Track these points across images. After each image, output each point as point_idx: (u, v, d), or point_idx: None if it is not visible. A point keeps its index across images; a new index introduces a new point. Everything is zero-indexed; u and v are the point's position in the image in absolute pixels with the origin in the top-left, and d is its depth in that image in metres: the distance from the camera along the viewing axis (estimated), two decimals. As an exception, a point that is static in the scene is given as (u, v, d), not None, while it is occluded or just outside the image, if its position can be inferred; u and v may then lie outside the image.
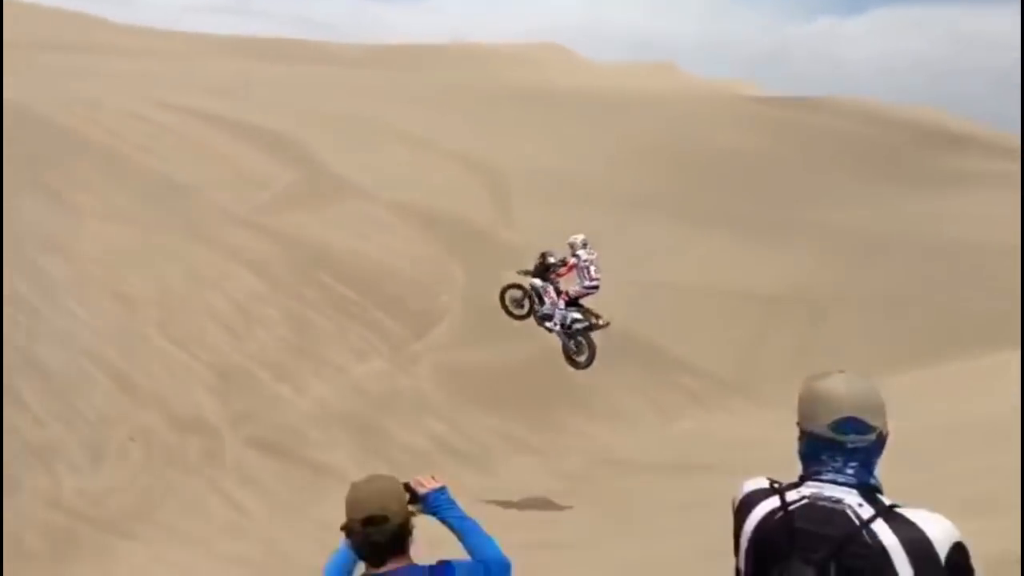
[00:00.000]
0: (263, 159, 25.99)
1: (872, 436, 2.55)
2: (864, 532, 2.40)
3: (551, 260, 13.06)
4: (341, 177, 25.47)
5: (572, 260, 12.78)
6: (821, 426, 2.56)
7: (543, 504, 14.55)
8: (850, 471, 2.54)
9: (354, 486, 2.91)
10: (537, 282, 13.09)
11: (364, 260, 21.56)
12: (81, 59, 37.96)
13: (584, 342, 13.07)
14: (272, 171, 25.36)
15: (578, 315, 12.79)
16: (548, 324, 13.12)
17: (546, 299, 12.89)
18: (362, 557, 2.87)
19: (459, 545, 3.17)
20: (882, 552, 2.37)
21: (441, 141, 30.19)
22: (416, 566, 2.85)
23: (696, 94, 51.22)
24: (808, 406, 2.62)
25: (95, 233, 20.94)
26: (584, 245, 12.92)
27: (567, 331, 12.96)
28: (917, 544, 2.36)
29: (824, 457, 2.57)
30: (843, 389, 2.56)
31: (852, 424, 2.53)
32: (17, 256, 19.71)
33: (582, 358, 13.27)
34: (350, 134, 29.49)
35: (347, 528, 2.86)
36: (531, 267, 13.48)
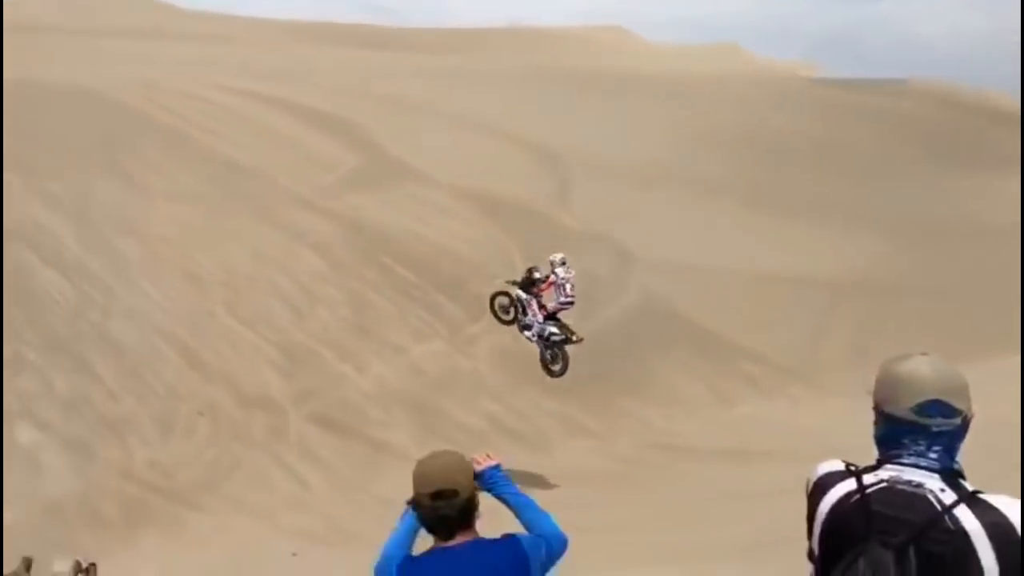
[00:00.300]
0: (326, 143, 26.38)
1: (957, 420, 2.49)
2: (946, 517, 2.36)
3: (536, 276, 13.76)
4: (402, 161, 25.72)
5: (552, 278, 13.49)
6: (903, 409, 2.51)
7: (596, 487, 14.59)
8: (933, 455, 2.49)
9: (422, 461, 2.96)
10: (522, 294, 13.83)
11: (424, 243, 21.78)
12: (149, 45, 38.94)
13: (559, 353, 13.83)
14: (335, 154, 25.73)
15: (555, 329, 13.54)
16: (527, 333, 13.91)
17: (529, 311, 13.70)
18: (431, 531, 2.90)
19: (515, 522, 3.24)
20: (964, 537, 2.33)
21: (501, 125, 30.23)
22: (484, 539, 2.89)
23: (759, 76, 50.26)
24: (889, 388, 2.56)
25: (165, 214, 21.58)
26: (563, 263, 13.62)
27: (545, 342, 13.75)
28: (1000, 529, 2.32)
29: (906, 440, 2.52)
30: (927, 371, 2.51)
31: (937, 407, 2.48)
32: (92, 236, 20.44)
33: (557, 367, 14.03)
34: (411, 118, 29.74)
35: (415, 502, 2.90)
36: (519, 279, 14.08)
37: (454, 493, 2.83)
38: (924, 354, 2.58)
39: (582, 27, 70.40)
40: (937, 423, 2.49)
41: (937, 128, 37.48)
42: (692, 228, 25.32)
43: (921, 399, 2.49)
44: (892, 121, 38.19)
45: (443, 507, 2.82)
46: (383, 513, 13.87)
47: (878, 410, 2.61)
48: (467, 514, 2.87)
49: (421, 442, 16.20)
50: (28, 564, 7.11)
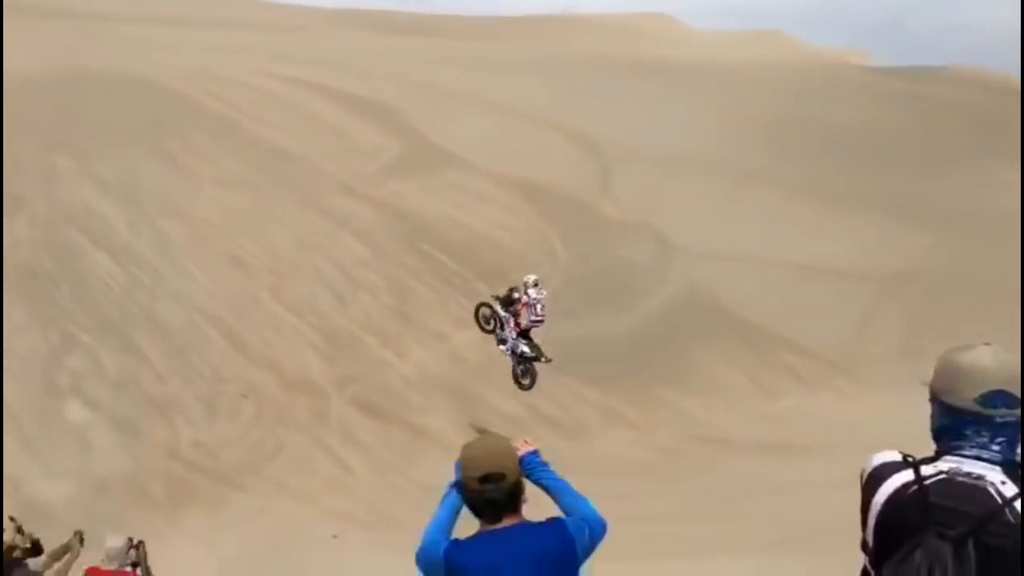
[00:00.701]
0: (370, 130, 26.56)
1: (1018, 410, 2.45)
2: (1006, 510, 2.33)
3: (515, 296, 14.61)
4: (444, 148, 25.81)
5: (524, 298, 14.32)
6: (966, 400, 2.47)
7: (634, 477, 14.59)
8: (996, 447, 2.45)
9: (469, 445, 2.98)
10: (501, 311, 14.68)
11: (465, 231, 21.86)
12: (196, 32, 39.43)
13: (529, 368, 14.68)
14: (378, 142, 25.90)
15: (527, 347, 14.38)
16: (502, 347, 14.79)
17: (506, 327, 14.58)
18: (478, 514, 2.91)
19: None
20: None
21: (544, 113, 30.17)
22: (530, 522, 2.90)
23: (804, 64, 49.40)
24: (950, 379, 2.52)
25: (211, 198, 21.92)
26: (535, 285, 14.47)
27: (517, 357, 14.64)
28: None
29: (968, 432, 2.48)
30: (990, 361, 2.47)
31: (1001, 397, 2.43)
32: (140, 218, 20.85)
33: (526, 381, 14.84)
34: (454, 106, 29.80)
35: (463, 486, 2.92)
36: (502, 294, 14.97)
37: (502, 477, 2.85)
38: (986, 344, 2.54)
39: (626, 15, 69.76)
40: (1001, 413, 2.45)
41: (986, 117, 36.55)
42: (735, 218, 25.06)
43: (984, 389, 2.45)
44: (940, 109, 37.34)
45: (491, 491, 2.84)
46: (422, 498, 14.02)
47: (937, 401, 2.57)
48: (514, 498, 2.89)
49: (460, 428, 16.34)
50: (81, 538, 7.30)
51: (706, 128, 32.59)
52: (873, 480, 2.59)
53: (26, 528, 9.16)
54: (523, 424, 16.46)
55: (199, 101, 26.73)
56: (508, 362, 18.53)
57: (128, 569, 6.71)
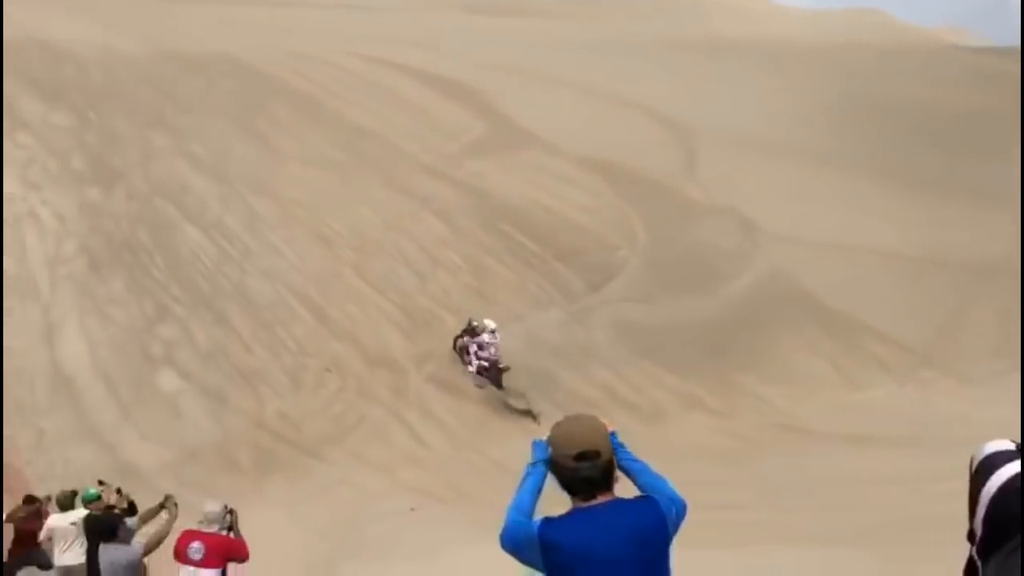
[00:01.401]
0: (452, 110, 26.73)
1: None
2: None
3: (475, 327, 17.37)
4: (526, 129, 25.78)
5: (483, 337, 17.09)
6: None
7: (712, 463, 14.39)
8: None
9: (561, 423, 2.96)
10: (466, 339, 17.39)
11: (545, 212, 21.84)
12: (286, 11, 40.26)
13: (490, 381, 17.15)
14: (460, 122, 26.05)
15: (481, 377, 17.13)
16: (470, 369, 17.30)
17: (466, 357, 17.29)
18: (572, 492, 2.91)
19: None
20: None
21: (628, 93, 29.79)
22: (623, 499, 2.88)
23: (903, 43, 47.41)
24: None
25: (298, 176, 22.46)
26: (492, 332, 17.15)
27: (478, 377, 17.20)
28: None
29: None
30: None
31: None
32: (231, 195, 21.52)
33: (484, 387, 17.12)
34: (537, 86, 29.70)
35: (556, 464, 2.93)
36: (465, 327, 17.54)
37: (596, 454, 2.84)
38: None
39: (716, -8, 68.14)
40: None
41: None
42: (823, 202, 24.34)
43: None
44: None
45: (586, 468, 2.83)
46: (497, 475, 14.19)
47: None
48: (608, 475, 2.88)
49: (535, 408, 16.46)
50: (174, 502, 7.62)
51: (795, 110, 31.69)
52: (984, 469, 2.50)
53: (123, 490, 9.67)
54: (600, 407, 16.42)
55: (287, 80, 27.32)
56: (584, 344, 18.63)
57: (224, 533, 6.99)
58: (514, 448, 14.92)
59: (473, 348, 17.17)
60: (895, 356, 18.51)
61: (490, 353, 17.08)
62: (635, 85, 30.30)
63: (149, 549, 7.11)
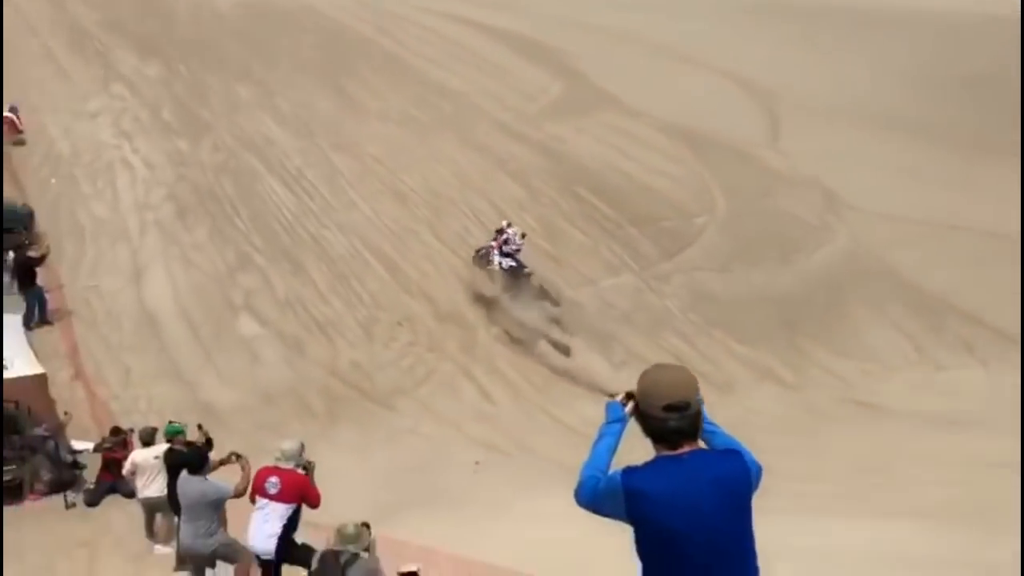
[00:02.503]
0: (533, 71, 26.51)
1: None
2: None
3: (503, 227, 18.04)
4: (607, 91, 25.40)
5: (505, 235, 17.72)
6: None
7: (784, 434, 14.09)
8: None
9: (648, 373, 2.91)
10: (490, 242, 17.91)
11: (622, 176, 21.56)
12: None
13: (514, 283, 17.76)
14: (541, 83, 25.83)
15: (512, 261, 17.62)
16: (492, 263, 17.73)
17: (492, 252, 17.78)
18: (658, 440, 2.91)
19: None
20: None
21: (710, 57, 29.04)
22: (708, 450, 2.88)
23: (995, 10, 45.06)
24: None
25: (377, 133, 22.69)
26: (521, 235, 17.90)
27: (504, 271, 17.73)
28: None
29: None
30: None
31: None
32: (312, 149, 21.90)
33: (504, 292, 17.63)
34: (620, 49, 29.19)
35: (643, 414, 2.92)
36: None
37: (686, 405, 2.80)
38: None
39: (808, -43, 65.63)
40: None
41: None
42: (912, 177, 23.41)
43: None
44: None
45: (675, 419, 2.80)
46: (562, 434, 14.28)
47: None
48: (696, 427, 2.86)
49: (602, 373, 16.40)
50: (244, 458, 7.67)
51: (885, 80, 30.45)
52: None
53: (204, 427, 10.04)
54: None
55: (369, 36, 27.51)
56: (656, 311, 18.43)
57: (300, 471, 7.13)
58: (578, 408, 14.99)
59: (498, 242, 17.74)
60: (982, 338, 17.77)
61: (513, 248, 17.70)
62: (718, 48, 29.52)
63: (239, 493, 7.32)
